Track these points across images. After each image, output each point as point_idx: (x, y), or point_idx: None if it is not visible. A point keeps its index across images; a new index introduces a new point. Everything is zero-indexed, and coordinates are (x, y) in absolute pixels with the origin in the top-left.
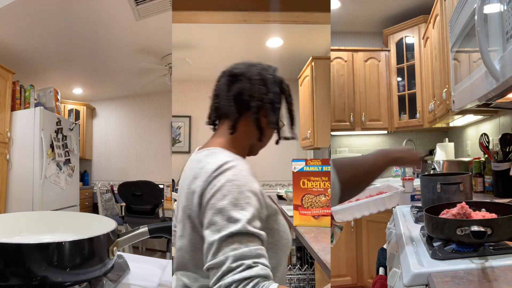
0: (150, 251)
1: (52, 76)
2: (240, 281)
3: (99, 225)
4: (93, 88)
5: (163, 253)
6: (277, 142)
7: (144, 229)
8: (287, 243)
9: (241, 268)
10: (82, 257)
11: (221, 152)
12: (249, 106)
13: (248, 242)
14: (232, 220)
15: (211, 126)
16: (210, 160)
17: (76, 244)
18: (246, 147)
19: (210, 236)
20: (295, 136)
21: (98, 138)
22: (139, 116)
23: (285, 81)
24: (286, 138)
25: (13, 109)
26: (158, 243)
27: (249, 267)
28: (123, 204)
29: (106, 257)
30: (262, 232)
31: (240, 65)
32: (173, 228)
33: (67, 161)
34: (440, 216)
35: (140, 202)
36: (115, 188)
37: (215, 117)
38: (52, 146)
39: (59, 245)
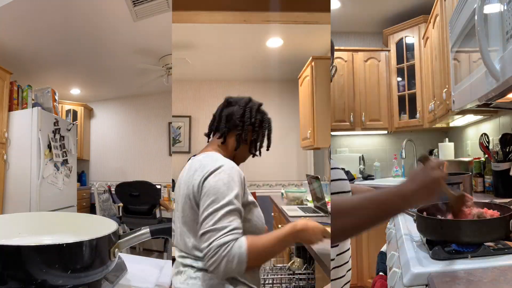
0: (147, 252)
1: (49, 76)
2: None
3: (99, 226)
4: (90, 88)
5: (160, 253)
6: (253, 156)
7: (145, 230)
8: (259, 232)
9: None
10: (83, 259)
11: (216, 154)
12: (235, 125)
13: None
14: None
15: (207, 138)
16: (209, 159)
17: (78, 246)
18: (231, 154)
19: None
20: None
21: (96, 139)
22: (137, 116)
23: (267, 114)
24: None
25: (10, 109)
26: (155, 243)
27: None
28: (121, 204)
29: (107, 259)
30: (241, 208)
31: (234, 97)
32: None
33: (65, 162)
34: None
35: (137, 202)
36: (113, 189)
37: (210, 131)
38: (49, 147)
39: (60, 247)
